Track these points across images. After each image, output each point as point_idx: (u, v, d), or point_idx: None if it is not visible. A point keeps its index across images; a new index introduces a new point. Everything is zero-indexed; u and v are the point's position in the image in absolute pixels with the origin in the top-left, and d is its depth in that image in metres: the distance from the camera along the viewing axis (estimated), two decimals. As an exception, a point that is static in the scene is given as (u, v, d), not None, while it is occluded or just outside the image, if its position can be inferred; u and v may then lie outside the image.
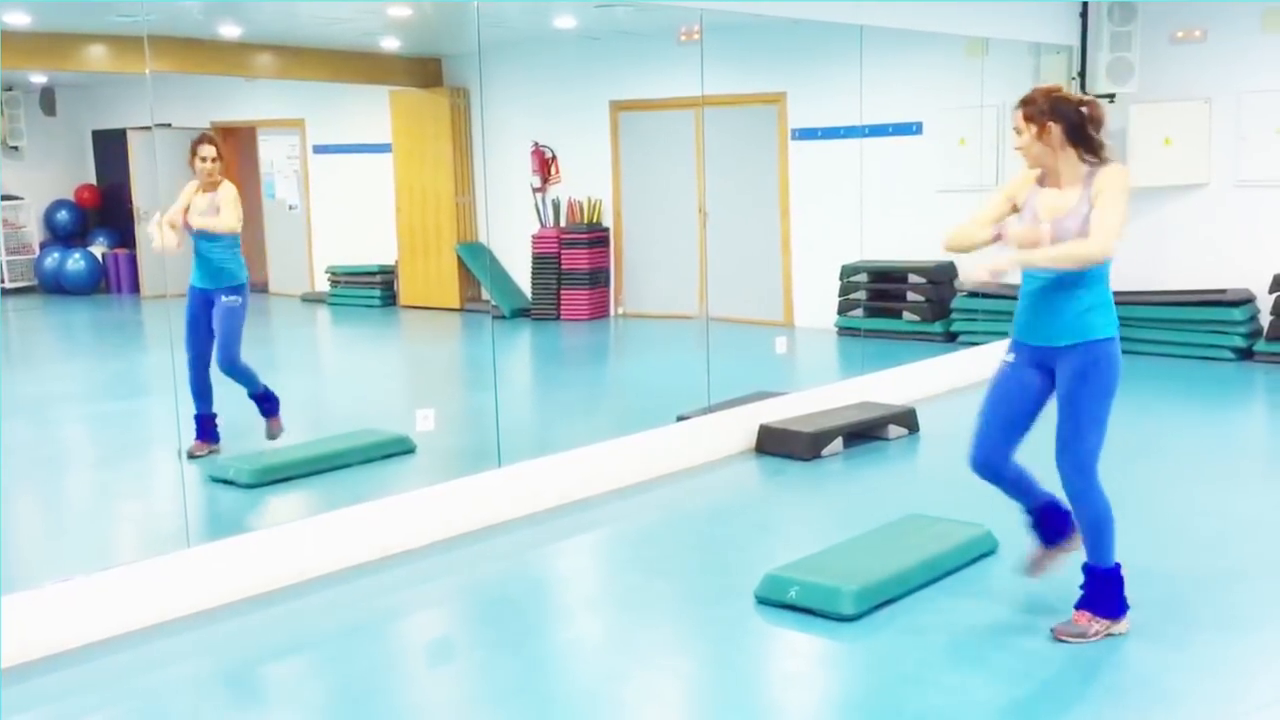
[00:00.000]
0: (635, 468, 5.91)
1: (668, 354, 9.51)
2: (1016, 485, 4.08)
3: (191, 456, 6.06)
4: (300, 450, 6.12)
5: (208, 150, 6.04)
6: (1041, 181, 3.88)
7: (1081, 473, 3.87)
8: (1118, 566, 3.91)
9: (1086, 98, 3.90)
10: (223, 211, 6.01)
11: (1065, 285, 3.78)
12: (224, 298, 6.07)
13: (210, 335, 6.08)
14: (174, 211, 6.03)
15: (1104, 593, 3.90)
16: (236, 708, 3.76)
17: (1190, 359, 8.75)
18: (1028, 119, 3.80)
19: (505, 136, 11.37)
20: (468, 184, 11.67)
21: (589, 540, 5.30)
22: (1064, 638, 3.86)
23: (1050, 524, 4.10)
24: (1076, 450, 3.86)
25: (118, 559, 4.47)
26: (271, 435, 6.26)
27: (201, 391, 6.15)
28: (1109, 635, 3.88)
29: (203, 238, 6.05)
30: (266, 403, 6.25)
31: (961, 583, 4.40)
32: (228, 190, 6.09)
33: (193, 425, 6.13)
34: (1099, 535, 3.89)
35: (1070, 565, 4.04)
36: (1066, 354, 3.82)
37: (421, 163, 11.73)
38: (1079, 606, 3.92)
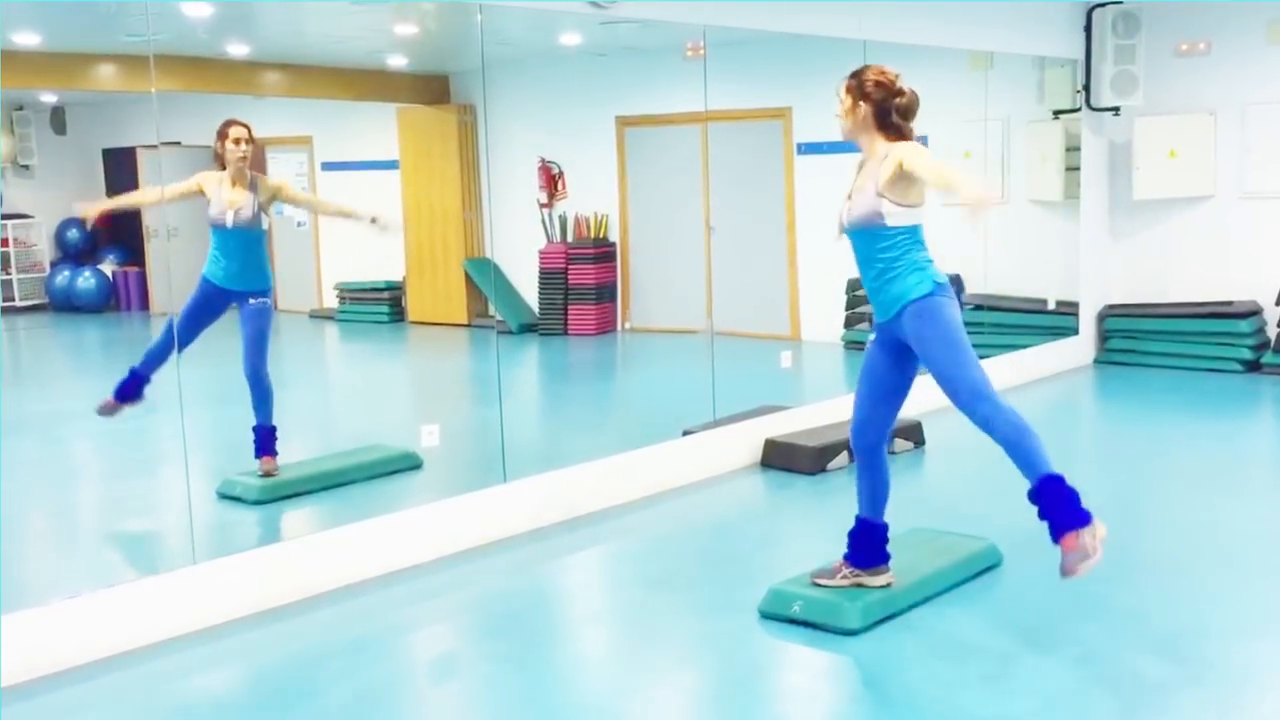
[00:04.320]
0: (641, 482, 5.92)
1: (674, 368, 9.51)
2: (874, 479, 4.19)
3: (104, 414, 6.03)
4: (307, 466, 6.13)
5: (240, 131, 5.83)
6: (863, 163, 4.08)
7: (981, 398, 3.85)
8: (1058, 478, 3.75)
9: (905, 89, 4.01)
10: (299, 197, 5.95)
11: (875, 264, 4.04)
12: (253, 300, 5.89)
13: (196, 334, 5.85)
14: (178, 190, 5.88)
15: (1059, 505, 3.72)
16: (242, 723, 3.77)
17: (1197, 371, 8.74)
18: (848, 90, 4.02)
19: (512, 152, 11.40)
20: (475, 200, 11.70)
21: (594, 555, 5.31)
22: (1073, 571, 3.68)
23: (865, 544, 4.22)
24: (963, 382, 3.88)
25: (124, 575, 4.49)
26: (267, 473, 5.91)
27: (159, 357, 5.90)
28: (1101, 544, 3.70)
29: (240, 233, 5.81)
30: (270, 438, 5.96)
31: (966, 596, 4.40)
32: (274, 181, 5.97)
33: (124, 380, 5.98)
34: (1024, 451, 3.80)
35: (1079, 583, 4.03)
36: (900, 322, 3.99)
37: (429, 179, 11.77)
38: (1056, 533, 3.73)
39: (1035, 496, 3.76)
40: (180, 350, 5.73)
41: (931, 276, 3.96)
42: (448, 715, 3.77)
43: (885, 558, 4.27)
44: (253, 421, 5.97)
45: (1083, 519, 3.71)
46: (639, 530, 5.53)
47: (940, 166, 3.84)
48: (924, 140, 9.93)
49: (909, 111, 3.97)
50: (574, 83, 11.11)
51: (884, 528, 4.26)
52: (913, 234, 4.00)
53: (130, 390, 5.99)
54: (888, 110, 3.95)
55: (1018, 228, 9.36)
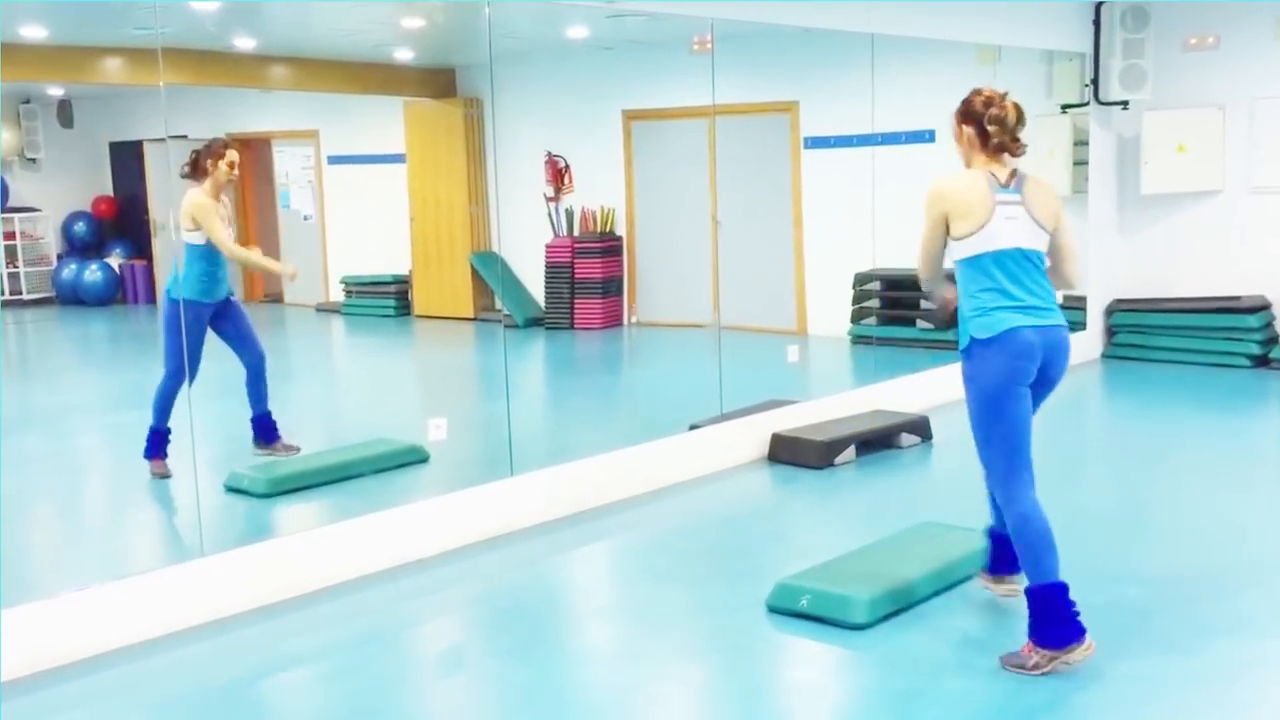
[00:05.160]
0: (647, 476, 5.92)
1: (680, 362, 9.51)
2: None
3: (162, 477, 5.92)
4: (314, 460, 6.14)
5: (236, 156, 5.93)
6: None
7: (996, 482, 3.79)
8: (1050, 588, 3.63)
9: (1004, 103, 3.82)
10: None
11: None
12: (232, 298, 6.04)
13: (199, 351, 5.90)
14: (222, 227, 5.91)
15: (1039, 617, 3.65)
16: (250, 716, 3.77)
17: (1205, 366, 8.71)
18: (954, 116, 3.91)
19: (518, 146, 11.39)
20: (481, 194, 11.70)
21: (601, 549, 5.31)
22: (1007, 666, 3.69)
23: (996, 551, 4.13)
24: (983, 460, 3.82)
25: (132, 568, 4.49)
26: (289, 451, 6.19)
27: (171, 400, 5.87)
28: (1060, 666, 3.62)
29: (215, 250, 5.91)
30: (271, 425, 6.18)
31: (973, 591, 4.39)
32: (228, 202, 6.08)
33: (148, 440, 5.89)
34: (1027, 550, 3.69)
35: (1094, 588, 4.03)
36: None
37: (435, 173, 11.76)
38: (1032, 636, 3.68)
39: (1030, 596, 3.70)
40: (192, 380, 5.76)
41: (969, 331, 3.73)
42: (454, 709, 3.77)
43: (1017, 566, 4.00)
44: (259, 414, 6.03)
45: (1069, 638, 3.62)
46: (646, 525, 5.53)
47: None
48: (931, 135, 9.87)
49: (1002, 123, 3.76)
50: (581, 76, 11.10)
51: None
52: (969, 266, 3.76)
53: (159, 447, 5.94)
54: (983, 124, 3.78)
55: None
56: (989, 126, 3.77)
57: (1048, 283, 3.80)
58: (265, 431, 6.22)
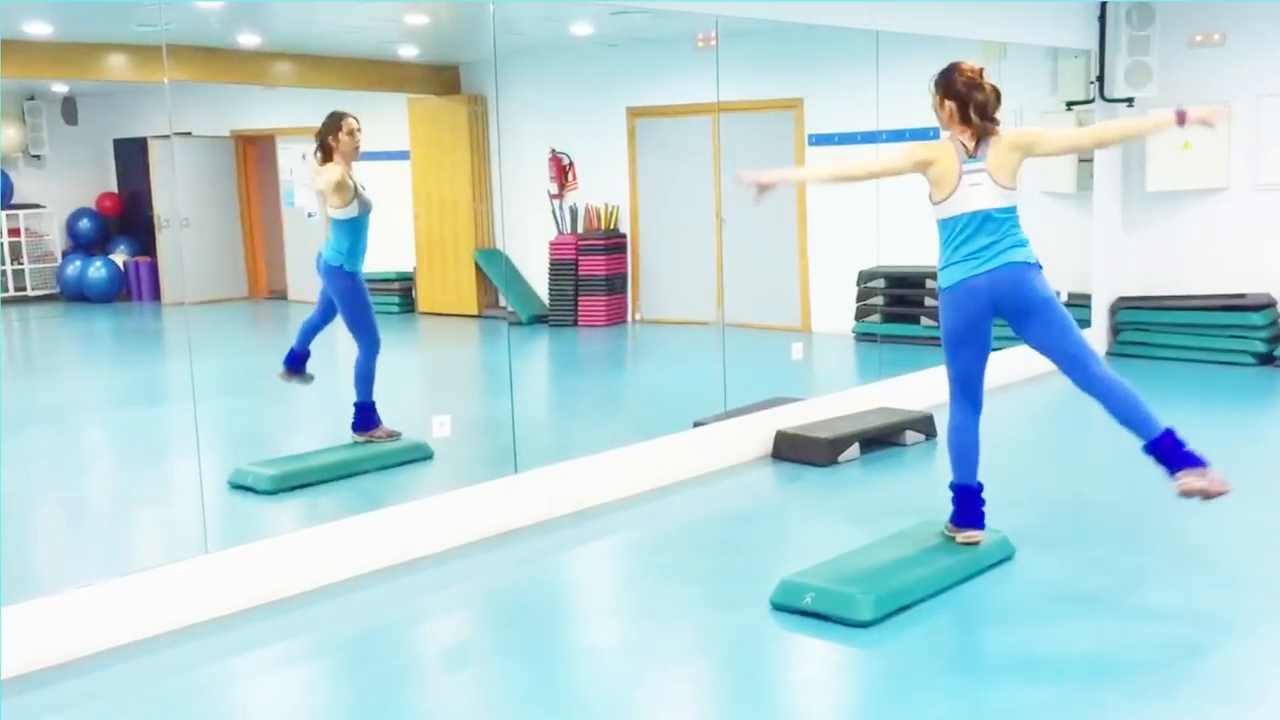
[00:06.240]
0: (651, 473, 5.92)
1: (684, 360, 9.51)
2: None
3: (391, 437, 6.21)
4: (318, 457, 6.14)
5: (355, 122, 5.96)
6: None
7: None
8: (963, 487, 4.56)
9: (986, 85, 4.26)
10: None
11: None
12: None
13: None
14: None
15: (955, 505, 4.61)
16: (254, 713, 3.77)
17: (1210, 364, 8.70)
18: (936, 87, 4.32)
19: (522, 143, 11.38)
20: (485, 191, 11.69)
21: (605, 546, 5.31)
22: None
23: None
24: None
25: (137, 565, 4.50)
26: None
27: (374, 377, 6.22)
28: (959, 539, 4.57)
29: (362, 224, 6.05)
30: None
31: (978, 589, 4.39)
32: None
33: (357, 417, 6.22)
34: (949, 454, 4.64)
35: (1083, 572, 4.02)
36: None
37: (439, 170, 11.75)
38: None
39: (952, 489, 4.68)
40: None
41: (939, 282, 4.39)
42: (458, 705, 3.77)
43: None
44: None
45: (963, 523, 4.62)
46: (649, 522, 5.53)
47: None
48: (935, 133, 9.85)
49: (985, 108, 4.21)
50: (585, 73, 11.09)
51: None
52: (941, 226, 4.35)
53: (370, 420, 6.22)
54: (967, 105, 4.20)
55: (1030, 219, 9.32)
56: (973, 114, 4.21)
57: (1009, 231, 4.28)
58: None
